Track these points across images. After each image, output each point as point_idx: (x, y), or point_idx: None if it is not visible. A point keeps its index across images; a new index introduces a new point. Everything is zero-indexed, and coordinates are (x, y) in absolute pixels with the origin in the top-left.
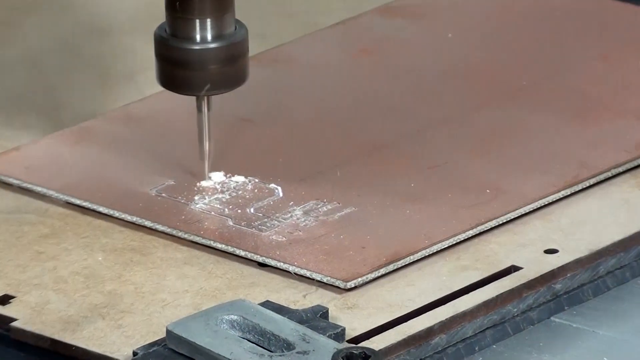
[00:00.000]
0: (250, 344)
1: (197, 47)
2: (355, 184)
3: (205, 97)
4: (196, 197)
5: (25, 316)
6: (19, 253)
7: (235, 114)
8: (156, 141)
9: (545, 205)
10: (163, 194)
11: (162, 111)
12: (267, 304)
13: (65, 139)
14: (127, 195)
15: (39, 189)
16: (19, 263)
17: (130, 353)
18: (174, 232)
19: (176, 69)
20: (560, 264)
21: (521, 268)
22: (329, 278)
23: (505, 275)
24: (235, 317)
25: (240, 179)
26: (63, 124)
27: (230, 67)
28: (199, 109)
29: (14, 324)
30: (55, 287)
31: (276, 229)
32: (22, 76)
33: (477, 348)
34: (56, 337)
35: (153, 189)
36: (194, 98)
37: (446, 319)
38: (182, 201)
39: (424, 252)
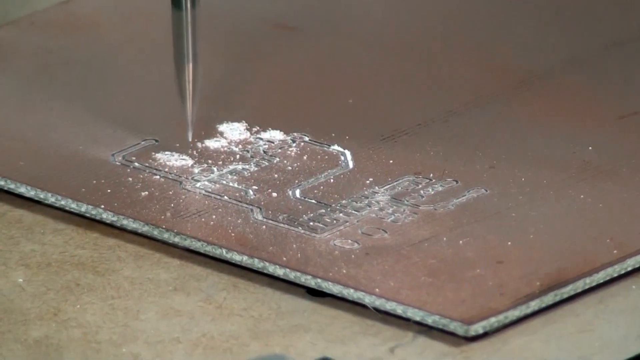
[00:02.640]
0: None
1: None
2: (484, 146)
3: None
4: (196, 169)
5: None
6: None
7: (266, 18)
8: (113, 62)
9: None
10: (135, 163)
11: (115, 12)
12: None
13: None
14: (69, 166)
15: None
16: None
17: None
18: (156, 233)
19: None
20: None
21: None
22: (436, 318)
23: None
24: None
25: (276, 135)
26: None
27: None
28: (176, 3)
29: None
30: None
31: (342, 227)
32: None
33: None
34: None
35: (117, 154)
36: None
37: None
38: (172, 176)
39: (609, 270)
